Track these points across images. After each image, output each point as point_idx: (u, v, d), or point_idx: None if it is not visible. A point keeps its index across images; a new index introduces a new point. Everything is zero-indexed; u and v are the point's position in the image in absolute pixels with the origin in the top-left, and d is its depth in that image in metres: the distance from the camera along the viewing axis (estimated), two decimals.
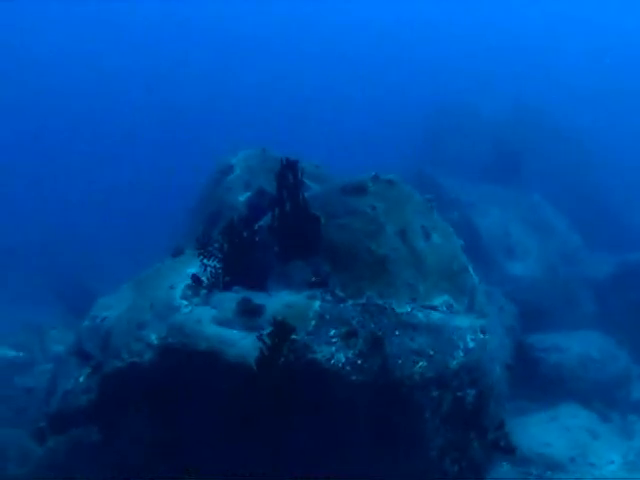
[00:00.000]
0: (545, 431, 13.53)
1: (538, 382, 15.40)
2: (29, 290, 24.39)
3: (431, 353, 9.07)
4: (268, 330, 8.57)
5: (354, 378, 8.65)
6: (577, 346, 16.04)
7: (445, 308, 9.89)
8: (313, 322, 9.03)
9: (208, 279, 10.10)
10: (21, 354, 15.84)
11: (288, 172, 9.99)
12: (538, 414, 14.39)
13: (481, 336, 9.82)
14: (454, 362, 9.18)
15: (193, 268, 10.39)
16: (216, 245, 10.13)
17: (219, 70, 63.33)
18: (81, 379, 10.50)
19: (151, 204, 36.56)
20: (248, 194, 12.44)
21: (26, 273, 26.48)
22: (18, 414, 13.32)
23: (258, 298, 9.50)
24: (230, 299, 9.56)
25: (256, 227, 10.60)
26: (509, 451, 9.85)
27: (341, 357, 8.71)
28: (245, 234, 10.16)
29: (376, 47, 62.39)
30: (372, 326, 9.05)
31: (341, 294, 9.47)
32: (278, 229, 10.17)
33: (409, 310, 9.42)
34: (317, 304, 9.31)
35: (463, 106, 29.66)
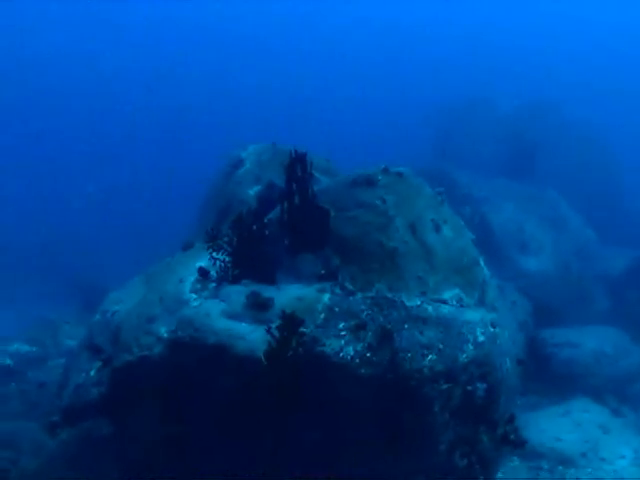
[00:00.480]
0: (557, 426, 13.47)
1: (550, 377, 15.34)
2: (43, 288, 24.57)
3: (440, 347, 9.03)
4: (277, 323, 8.57)
5: (363, 371, 8.64)
6: (590, 341, 15.96)
7: (455, 302, 9.84)
8: (322, 315, 9.03)
9: (217, 272, 10.11)
10: (34, 349, 15.95)
11: (297, 165, 9.98)
12: (550, 409, 14.33)
13: (491, 330, 9.77)
14: (464, 356, 9.15)
15: (202, 262, 10.40)
16: (225, 239, 10.12)
17: (221, 70, 63.49)
18: (92, 373, 10.56)
19: (154, 203, 36.78)
20: (258, 188, 12.43)
21: (39, 272, 26.68)
22: (32, 408, 13.43)
23: (267, 291, 9.50)
24: (239, 292, 9.56)
25: (266, 220, 10.58)
26: (519, 445, 9.79)
27: (350, 350, 8.71)
28: (254, 227, 10.14)
29: (378, 47, 62.38)
30: (381, 319, 9.04)
31: (350, 287, 9.46)
32: (287, 222, 10.17)
33: (419, 303, 9.39)
34: (326, 297, 9.31)
35: (474, 103, 29.57)
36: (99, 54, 62.18)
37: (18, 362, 15.18)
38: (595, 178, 26.31)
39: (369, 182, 10.29)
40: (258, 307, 9.30)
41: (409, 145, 31.54)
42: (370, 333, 8.87)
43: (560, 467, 12.41)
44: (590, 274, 20.30)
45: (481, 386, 9.33)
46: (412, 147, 30.50)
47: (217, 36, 67.42)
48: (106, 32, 63.85)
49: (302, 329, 8.54)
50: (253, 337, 8.89)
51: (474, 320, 9.62)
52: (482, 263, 10.94)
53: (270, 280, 9.93)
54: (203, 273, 10.19)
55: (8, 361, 15.09)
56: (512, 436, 9.76)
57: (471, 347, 9.27)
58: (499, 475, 11.75)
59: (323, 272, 9.70)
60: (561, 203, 23.21)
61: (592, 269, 20.66)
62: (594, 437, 13.16)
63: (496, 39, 58.56)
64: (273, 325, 8.59)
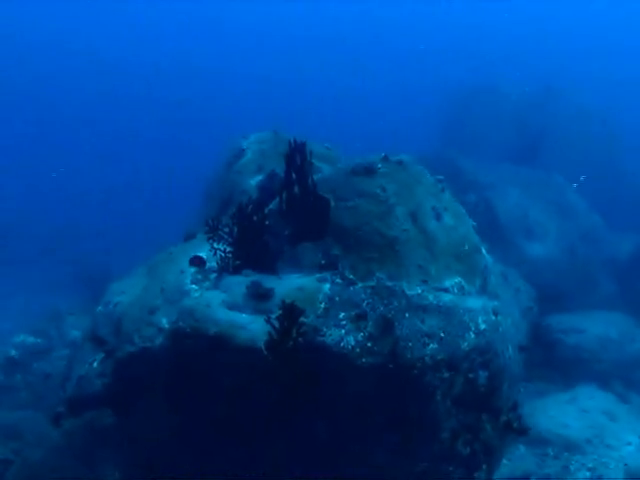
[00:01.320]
0: (563, 412, 13.45)
1: (556, 364, 15.32)
2: (48, 279, 24.63)
3: (442, 335, 9.01)
4: (278, 313, 8.54)
5: (364, 361, 8.62)
6: (596, 327, 15.94)
7: (456, 290, 9.80)
8: (323, 305, 9.00)
9: (218, 263, 10.08)
10: (39, 340, 15.96)
11: (296, 154, 9.92)
12: (556, 395, 14.31)
13: (493, 318, 9.74)
14: (465, 344, 9.12)
15: (203, 252, 10.38)
16: (226, 229, 10.09)
17: (221, 64, 63.20)
18: (95, 364, 10.57)
19: (158, 195, 36.85)
20: (260, 177, 12.36)
21: (43, 263, 26.76)
22: (37, 399, 13.49)
23: (268, 281, 9.47)
24: (240, 283, 9.54)
25: (267, 210, 10.53)
26: (522, 433, 9.79)
27: (351, 340, 8.68)
28: (255, 218, 10.09)
29: (380, 40, 61.94)
30: (382, 308, 9.01)
31: (351, 276, 9.41)
32: (287, 212, 10.13)
33: (419, 292, 9.35)
34: (327, 287, 9.26)
35: (480, 90, 29.40)
36: (99, 48, 62.02)
37: (23, 353, 15.21)
38: (600, 163, 26.13)
39: (369, 171, 10.22)
40: (259, 297, 9.27)
41: (417, 134, 31.41)
42: (371, 322, 8.84)
43: (566, 454, 12.39)
44: (596, 259, 20.21)
45: (483, 374, 9.31)
46: (420, 136, 30.37)
47: (216, 30, 67.11)
48: (107, 26, 63.62)
49: (302, 319, 8.51)
50: (254, 327, 8.87)
51: (476, 308, 9.59)
52: (484, 250, 10.90)
53: (271, 270, 9.90)
54: (195, 262, 10.16)
55: (13, 352, 15.12)
56: (515, 424, 9.75)
57: (473, 335, 9.24)
58: (505, 462, 11.76)
59: (323, 262, 9.65)
60: (567, 188, 23.05)
61: (598, 254, 20.55)
62: (600, 424, 13.13)
63: (499, 28, 58.11)
64: (273, 315, 8.56)
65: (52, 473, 9.83)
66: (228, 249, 10.09)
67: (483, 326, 9.41)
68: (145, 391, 9.67)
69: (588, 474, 11.86)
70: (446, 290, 9.67)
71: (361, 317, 8.88)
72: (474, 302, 9.69)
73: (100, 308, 11.24)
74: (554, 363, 15.34)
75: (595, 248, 20.90)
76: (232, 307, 9.26)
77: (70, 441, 10.16)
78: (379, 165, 10.33)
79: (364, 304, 9.03)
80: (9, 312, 20.11)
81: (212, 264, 10.21)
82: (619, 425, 13.11)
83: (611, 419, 13.28)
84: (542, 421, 12.94)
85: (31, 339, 15.88)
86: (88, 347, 11.12)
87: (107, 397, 10.14)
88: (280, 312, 8.48)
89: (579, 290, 18.39)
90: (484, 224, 12.52)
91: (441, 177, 11.04)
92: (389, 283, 9.30)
